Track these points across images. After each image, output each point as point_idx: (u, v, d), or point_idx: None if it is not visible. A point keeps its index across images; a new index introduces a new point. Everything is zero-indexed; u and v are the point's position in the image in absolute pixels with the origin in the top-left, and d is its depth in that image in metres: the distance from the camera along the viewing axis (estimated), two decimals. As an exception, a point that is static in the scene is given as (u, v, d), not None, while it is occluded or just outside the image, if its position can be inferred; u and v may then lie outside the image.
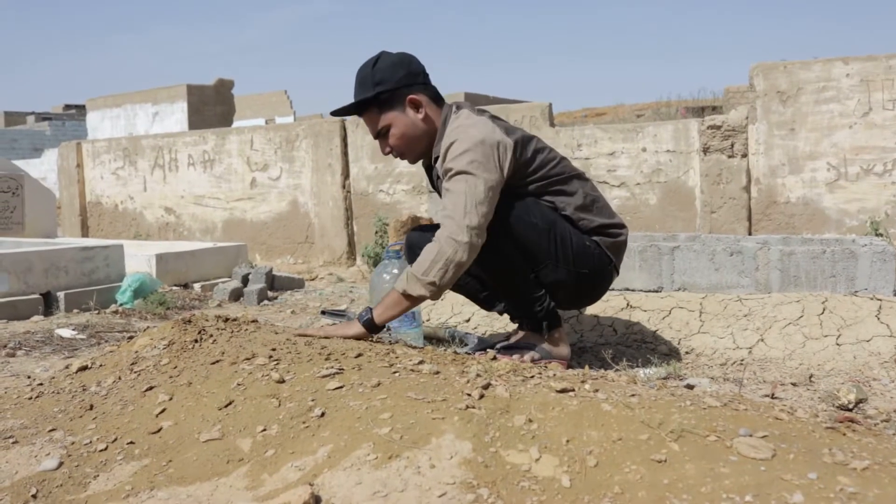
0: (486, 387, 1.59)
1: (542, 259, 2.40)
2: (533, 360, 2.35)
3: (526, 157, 2.39)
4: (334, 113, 2.49)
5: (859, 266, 3.20)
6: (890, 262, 3.16)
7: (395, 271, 2.69)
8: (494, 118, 2.44)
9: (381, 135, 2.46)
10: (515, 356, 2.39)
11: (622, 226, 2.55)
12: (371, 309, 2.26)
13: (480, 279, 2.62)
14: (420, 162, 2.58)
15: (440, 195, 2.47)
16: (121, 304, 4.36)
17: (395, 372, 1.75)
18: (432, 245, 2.22)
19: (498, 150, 2.29)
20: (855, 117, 5.81)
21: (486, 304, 2.74)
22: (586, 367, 2.24)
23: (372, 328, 2.25)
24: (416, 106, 2.42)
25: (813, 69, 5.92)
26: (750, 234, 5.96)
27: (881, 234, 5.12)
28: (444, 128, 2.41)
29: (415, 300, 2.25)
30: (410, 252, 2.54)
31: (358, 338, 2.22)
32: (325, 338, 2.16)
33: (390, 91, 2.40)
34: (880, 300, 2.85)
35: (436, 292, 2.24)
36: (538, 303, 2.47)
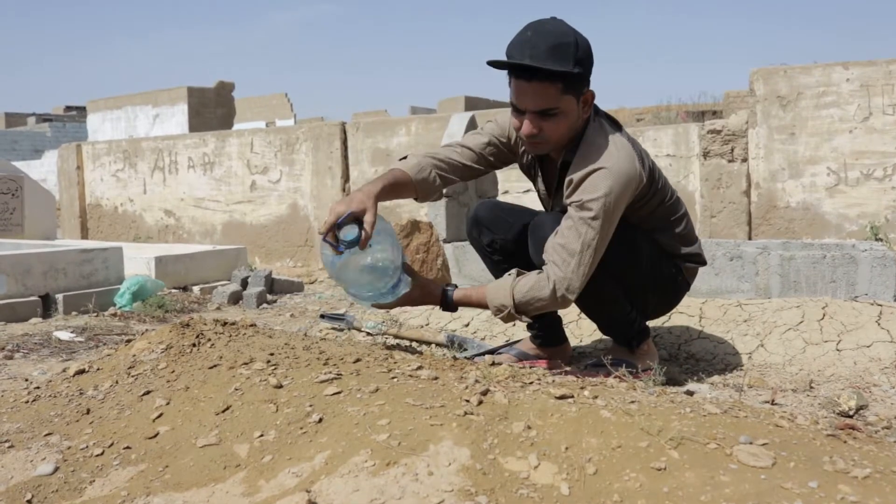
0: (485, 393, 1.58)
1: (635, 290, 2.36)
2: (619, 376, 2.27)
3: (651, 187, 2.26)
4: (493, 63, 2.12)
5: (859, 271, 3.20)
6: (890, 268, 3.16)
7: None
8: (630, 137, 2.25)
9: (543, 114, 2.12)
10: (602, 372, 2.25)
11: (701, 249, 2.50)
12: (455, 287, 2.28)
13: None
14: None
15: (547, 192, 2.39)
16: (120, 308, 4.35)
17: (393, 377, 1.74)
18: (543, 283, 2.11)
19: (631, 187, 2.14)
20: (855, 122, 5.81)
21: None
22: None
23: (448, 306, 2.26)
24: (586, 104, 2.19)
25: (813, 74, 5.92)
26: (750, 238, 5.96)
27: (881, 239, 5.12)
28: (583, 136, 2.20)
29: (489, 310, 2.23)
30: (535, 240, 2.28)
31: (433, 304, 2.29)
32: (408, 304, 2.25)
33: (583, 75, 2.13)
34: (881, 305, 2.85)
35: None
36: (631, 325, 2.43)
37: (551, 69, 2.05)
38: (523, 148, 2.34)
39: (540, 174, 2.43)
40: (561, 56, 2.06)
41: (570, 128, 2.18)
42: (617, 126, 2.26)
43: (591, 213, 2.08)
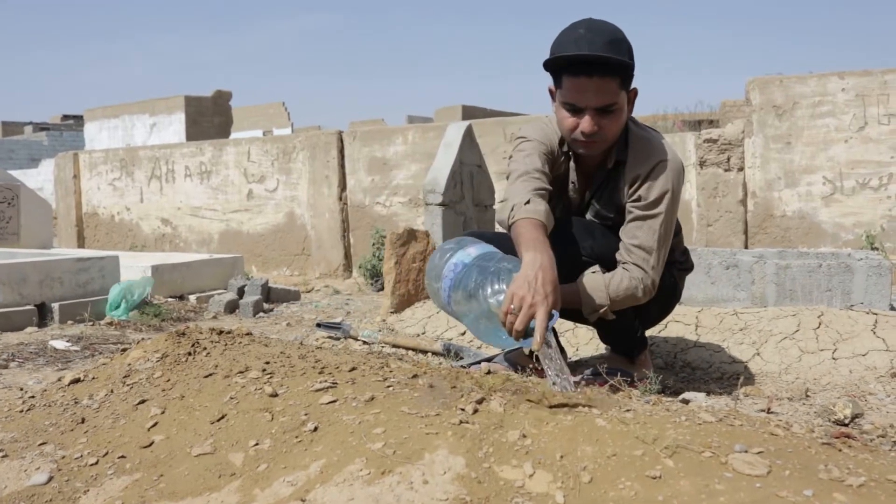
0: (480, 401, 1.58)
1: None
2: (616, 385, 2.25)
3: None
4: (553, 60, 2.08)
5: (855, 280, 3.20)
6: (886, 277, 3.16)
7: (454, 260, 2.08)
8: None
9: (604, 110, 2.10)
10: (599, 381, 2.28)
11: (688, 252, 2.52)
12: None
13: None
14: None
15: (578, 198, 2.30)
16: (116, 317, 4.34)
17: (388, 386, 1.74)
18: (635, 283, 2.13)
19: (683, 179, 2.20)
20: (850, 131, 5.83)
21: None
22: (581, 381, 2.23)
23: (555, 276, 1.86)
24: (632, 102, 2.19)
25: (809, 83, 5.94)
26: (746, 247, 5.97)
27: (877, 248, 5.13)
28: (627, 136, 2.20)
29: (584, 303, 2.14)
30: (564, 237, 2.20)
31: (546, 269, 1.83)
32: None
33: (633, 74, 2.13)
34: (876, 314, 2.85)
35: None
36: (633, 334, 2.44)
37: (619, 60, 2.04)
38: (562, 155, 2.29)
39: (571, 181, 2.34)
40: (617, 49, 2.05)
41: (621, 126, 2.16)
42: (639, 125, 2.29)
43: (660, 208, 2.13)
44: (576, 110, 2.12)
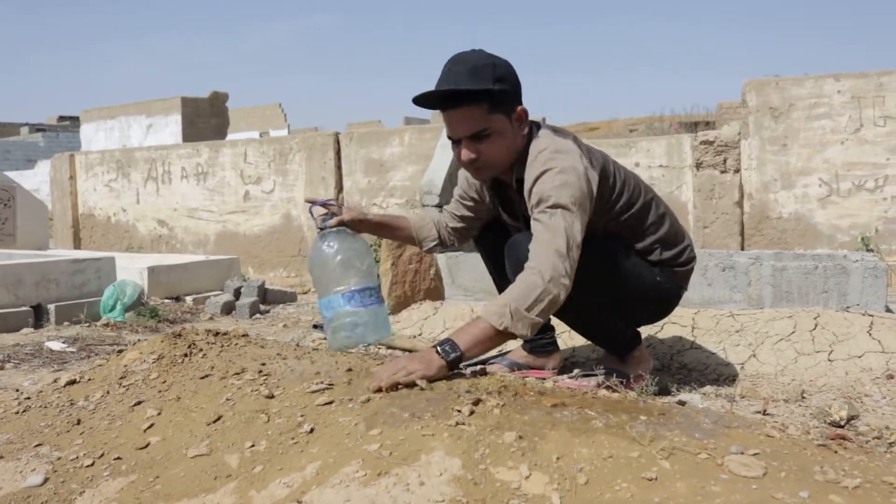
0: (476, 403, 1.58)
1: (617, 300, 2.34)
2: (611, 386, 2.24)
3: (608, 191, 2.24)
4: (419, 99, 2.16)
5: (851, 282, 3.21)
6: (881, 278, 3.17)
7: (335, 244, 2.20)
8: (578, 142, 2.25)
9: (476, 137, 2.16)
10: (593, 382, 2.24)
11: (690, 248, 2.44)
12: (451, 342, 1.86)
13: None
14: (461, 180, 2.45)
15: (512, 220, 2.38)
16: (113, 318, 4.33)
17: (385, 387, 1.74)
18: (533, 279, 1.98)
19: (582, 180, 2.11)
20: (846, 133, 5.84)
21: None
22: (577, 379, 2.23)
23: (455, 367, 1.86)
24: (521, 120, 2.21)
25: (805, 85, 5.96)
26: (742, 249, 5.98)
27: (872, 250, 5.14)
28: (527, 150, 2.21)
29: (512, 337, 1.97)
30: (512, 260, 2.27)
31: (438, 377, 1.79)
32: (405, 386, 1.72)
33: (508, 93, 2.16)
34: (872, 316, 2.85)
35: (533, 332, 1.99)
36: (617, 336, 2.43)
37: (471, 89, 2.10)
38: (486, 189, 2.42)
39: (500, 205, 2.44)
40: (479, 77, 2.10)
41: (508, 147, 2.19)
42: (565, 134, 2.26)
43: (548, 203, 2.06)
44: (455, 142, 2.21)
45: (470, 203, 2.51)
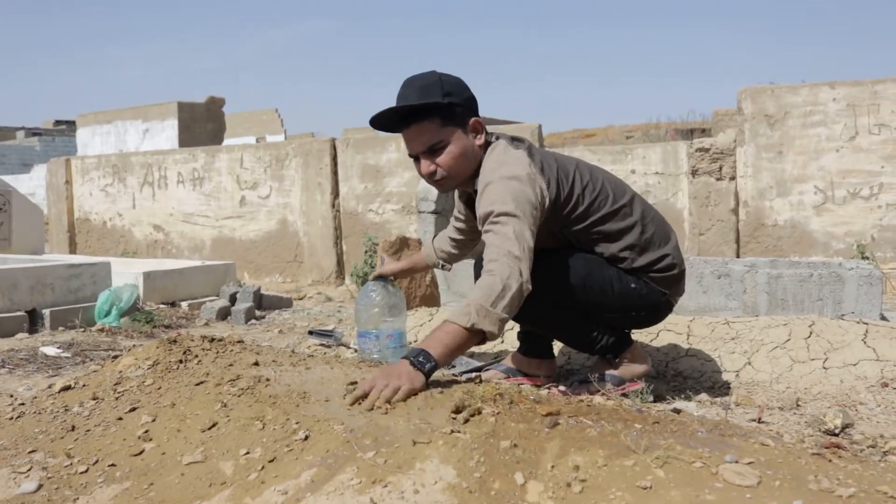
0: (472, 411, 1.58)
1: (588, 311, 2.34)
2: (605, 393, 2.23)
3: (563, 196, 2.26)
4: (374, 120, 2.28)
5: (846, 289, 3.22)
6: (876, 286, 3.18)
7: (378, 298, 2.69)
8: (532, 151, 2.29)
9: (432, 150, 2.25)
10: (589, 389, 2.30)
11: (671, 256, 2.40)
12: (424, 352, 1.84)
13: None
14: (433, 186, 2.45)
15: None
16: (107, 323, 4.32)
17: (380, 395, 1.73)
18: (491, 279, 2.00)
19: (536, 189, 2.16)
20: (841, 141, 5.86)
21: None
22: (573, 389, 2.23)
23: (431, 374, 1.85)
24: (477, 131, 2.28)
25: (800, 93, 5.98)
26: (738, 256, 5.99)
27: (868, 258, 5.15)
28: (484, 161, 2.28)
29: (481, 336, 1.97)
30: (477, 272, 2.38)
31: (422, 389, 1.76)
32: (384, 403, 1.67)
33: (459, 106, 2.25)
34: (867, 324, 2.86)
35: (501, 330, 2.00)
36: (595, 343, 2.43)
37: (419, 103, 2.20)
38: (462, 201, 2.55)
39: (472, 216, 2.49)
40: (427, 93, 2.22)
41: (466, 157, 2.27)
42: (518, 144, 2.31)
43: (494, 214, 2.11)
44: (416, 159, 2.32)
45: (461, 216, 2.64)
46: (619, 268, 2.34)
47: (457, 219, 2.67)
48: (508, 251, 2.03)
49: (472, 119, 2.28)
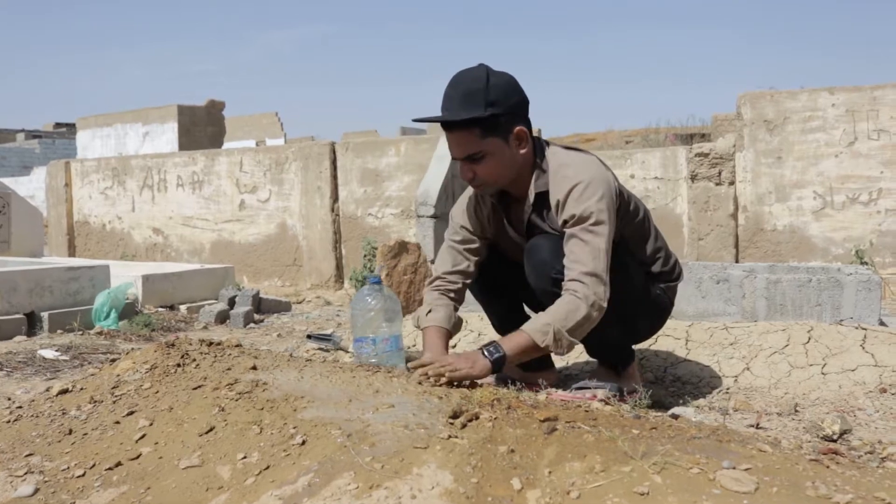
0: (470, 416, 1.57)
1: (627, 315, 2.33)
2: (604, 399, 2.24)
3: (625, 200, 2.29)
4: (420, 120, 2.29)
5: (845, 295, 3.21)
6: (875, 291, 3.17)
7: (374, 303, 2.56)
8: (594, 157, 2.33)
9: (471, 159, 2.23)
10: (588, 395, 2.29)
11: (678, 263, 2.50)
12: (496, 343, 2.06)
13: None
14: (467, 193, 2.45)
15: (518, 234, 2.37)
16: (106, 327, 4.32)
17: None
18: (576, 303, 2.07)
19: (612, 191, 2.18)
20: (841, 146, 5.86)
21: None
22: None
23: (499, 368, 2.08)
24: (520, 140, 2.24)
25: (799, 98, 5.98)
26: (737, 261, 5.99)
27: (866, 263, 5.15)
28: (541, 164, 2.26)
29: (546, 353, 2.16)
30: (533, 263, 2.27)
31: (481, 377, 2.03)
32: (448, 382, 1.91)
33: (502, 116, 2.19)
34: (865, 329, 2.86)
35: (569, 351, 2.13)
36: (623, 348, 2.46)
37: (461, 119, 2.16)
38: (486, 211, 2.42)
39: (506, 220, 2.43)
40: (471, 104, 2.15)
41: (505, 166, 2.24)
42: (574, 149, 2.33)
43: (590, 221, 2.12)
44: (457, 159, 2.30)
45: (471, 233, 2.45)
46: (649, 273, 2.40)
47: (466, 239, 2.46)
48: (596, 273, 2.08)
49: (517, 128, 2.22)
